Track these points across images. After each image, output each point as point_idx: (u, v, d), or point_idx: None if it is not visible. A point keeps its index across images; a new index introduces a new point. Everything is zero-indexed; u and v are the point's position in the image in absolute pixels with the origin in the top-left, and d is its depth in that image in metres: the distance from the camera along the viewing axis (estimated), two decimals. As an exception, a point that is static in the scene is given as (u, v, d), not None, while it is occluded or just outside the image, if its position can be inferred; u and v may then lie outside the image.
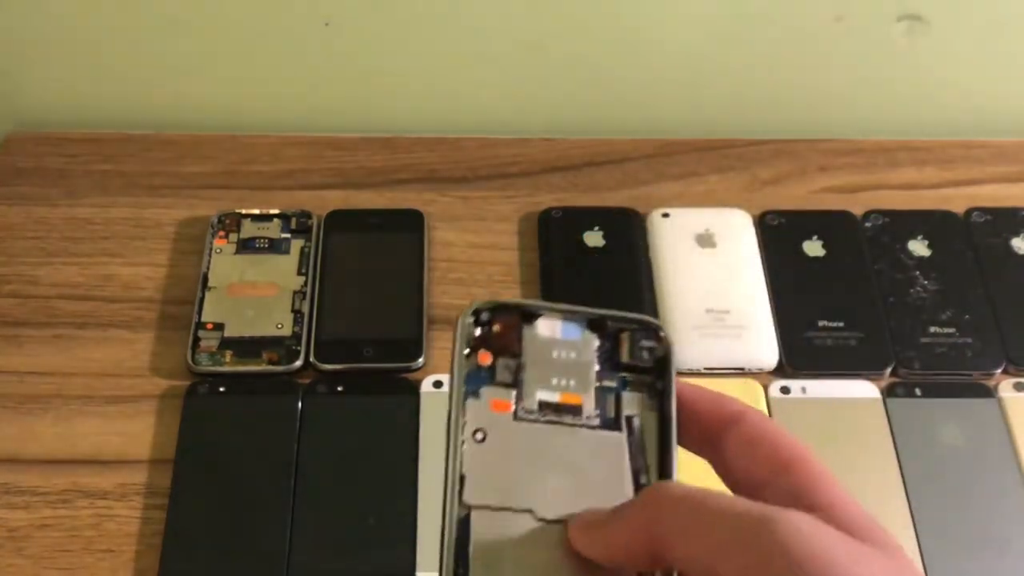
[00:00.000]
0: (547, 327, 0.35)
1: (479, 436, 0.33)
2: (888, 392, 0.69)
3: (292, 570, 0.61)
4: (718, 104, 0.86)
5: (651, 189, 0.81)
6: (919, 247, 0.76)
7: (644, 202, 0.79)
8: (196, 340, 0.70)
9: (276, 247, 0.75)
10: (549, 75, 0.85)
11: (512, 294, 0.74)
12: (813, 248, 0.76)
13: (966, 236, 0.77)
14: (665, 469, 0.33)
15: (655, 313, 0.72)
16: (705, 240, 0.76)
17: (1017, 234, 0.77)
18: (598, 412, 0.34)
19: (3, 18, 0.81)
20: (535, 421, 0.34)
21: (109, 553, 0.62)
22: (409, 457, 0.65)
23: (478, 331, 0.34)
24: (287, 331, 0.70)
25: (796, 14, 0.80)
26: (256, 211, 0.76)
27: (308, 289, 0.72)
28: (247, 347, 0.69)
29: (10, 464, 0.66)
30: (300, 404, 0.67)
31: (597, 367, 0.34)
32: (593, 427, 0.34)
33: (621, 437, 0.34)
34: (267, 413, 0.67)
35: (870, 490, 0.64)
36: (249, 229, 0.76)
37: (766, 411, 0.67)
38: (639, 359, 0.35)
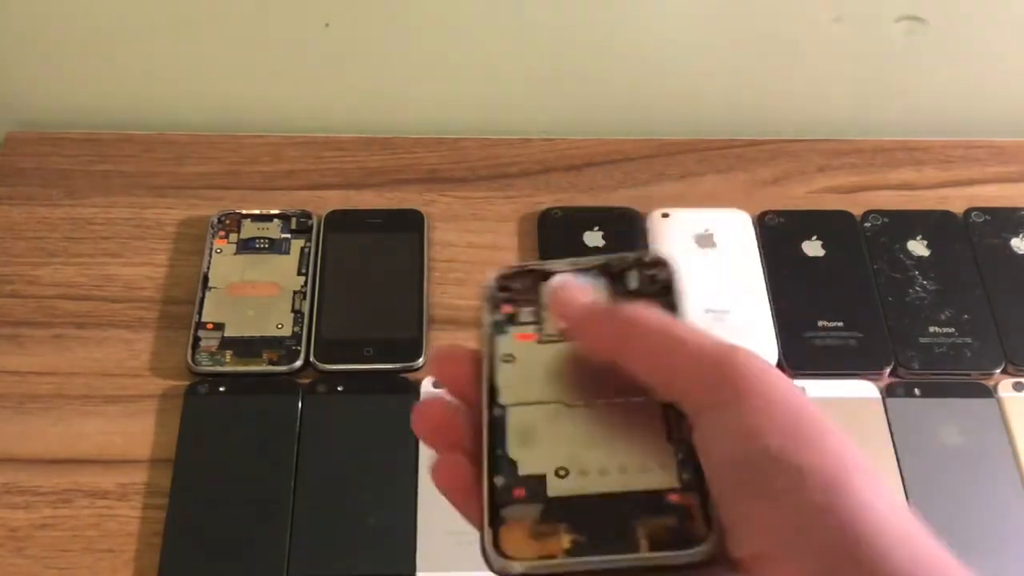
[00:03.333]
0: (559, 280, 0.39)
1: (508, 358, 0.37)
2: (887, 392, 0.69)
3: (292, 570, 0.61)
4: (718, 104, 0.86)
5: (651, 189, 0.81)
6: (918, 247, 0.76)
7: (644, 202, 0.79)
8: (196, 340, 0.70)
9: (276, 247, 0.75)
10: (549, 75, 0.85)
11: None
12: (812, 248, 0.76)
13: (965, 236, 0.77)
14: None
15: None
16: (705, 240, 0.76)
17: (1016, 234, 0.77)
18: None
19: (3, 18, 0.81)
20: (557, 342, 0.37)
21: (109, 553, 0.62)
22: (409, 457, 0.65)
23: (501, 294, 0.39)
24: (287, 331, 0.70)
25: (796, 15, 0.80)
26: (256, 211, 0.77)
27: (308, 289, 0.72)
28: (247, 347, 0.70)
29: (11, 464, 0.66)
30: (300, 404, 0.67)
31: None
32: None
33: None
34: (267, 413, 0.67)
35: (869, 490, 0.64)
36: (249, 229, 0.76)
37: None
38: (645, 285, 0.39)
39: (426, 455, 0.65)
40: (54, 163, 0.81)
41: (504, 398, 0.36)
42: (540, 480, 0.34)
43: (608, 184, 0.81)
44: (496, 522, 0.33)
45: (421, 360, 0.70)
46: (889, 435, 0.67)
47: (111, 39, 0.82)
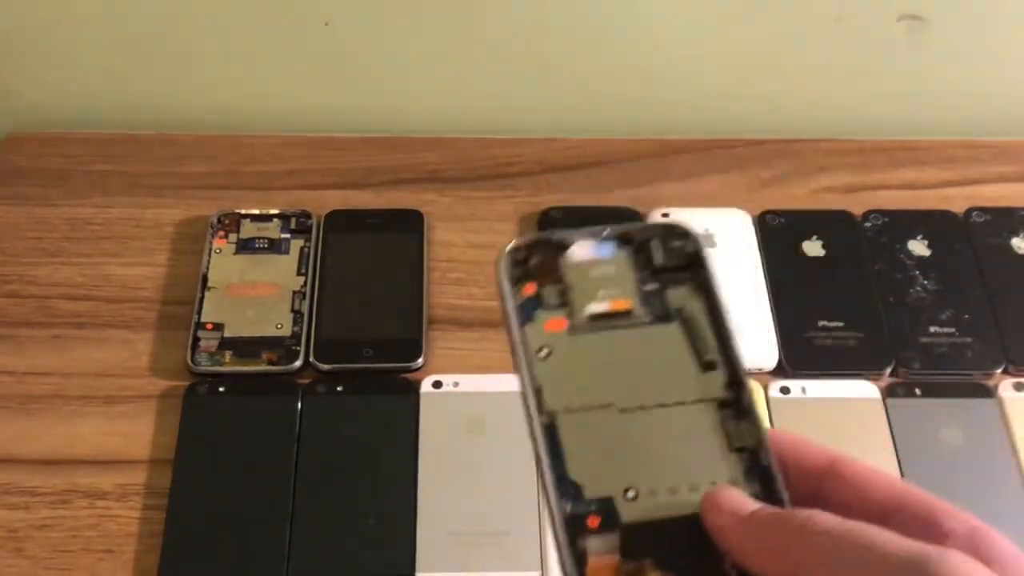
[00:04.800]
0: (581, 251, 0.36)
1: (543, 353, 0.35)
2: (888, 392, 0.69)
3: (292, 570, 0.61)
4: (718, 104, 0.86)
5: (651, 189, 0.81)
6: (919, 247, 0.76)
7: (644, 202, 0.79)
8: (196, 340, 0.70)
9: (276, 247, 0.75)
10: (549, 75, 0.85)
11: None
12: (813, 248, 0.76)
13: (966, 236, 0.77)
14: (725, 348, 0.36)
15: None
16: (705, 240, 0.76)
17: (1016, 234, 0.77)
18: (648, 311, 0.36)
19: (3, 18, 0.81)
20: (592, 331, 0.35)
21: (109, 553, 0.62)
22: (409, 457, 0.65)
23: (518, 269, 0.36)
24: (287, 331, 0.70)
25: (796, 15, 0.80)
26: (256, 211, 0.76)
27: (308, 289, 0.72)
28: (247, 347, 0.69)
29: (10, 464, 0.66)
30: (300, 404, 0.67)
31: (637, 274, 0.36)
32: (647, 324, 0.36)
33: (675, 327, 0.36)
34: (267, 413, 0.67)
35: (870, 490, 0.64)
36: (249, 229, 0.76)
37: (766, 412, 0.67)
38: (672, 259, 0.37)
39: (427, 455, 0.65)
40: (54, 163, 0.81)
41: (550, 402, 0.34)
42: (609, 504, 0.32)
43: (608, 184, 0.81)
44: (578, 562, 0.31)
45: (421, 360, 0.70)
46: (889, 435, 0.67)
47: (111, 39, 0.82)
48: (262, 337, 0.70)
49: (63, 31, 0.82)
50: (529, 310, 0.36)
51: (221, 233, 0.75)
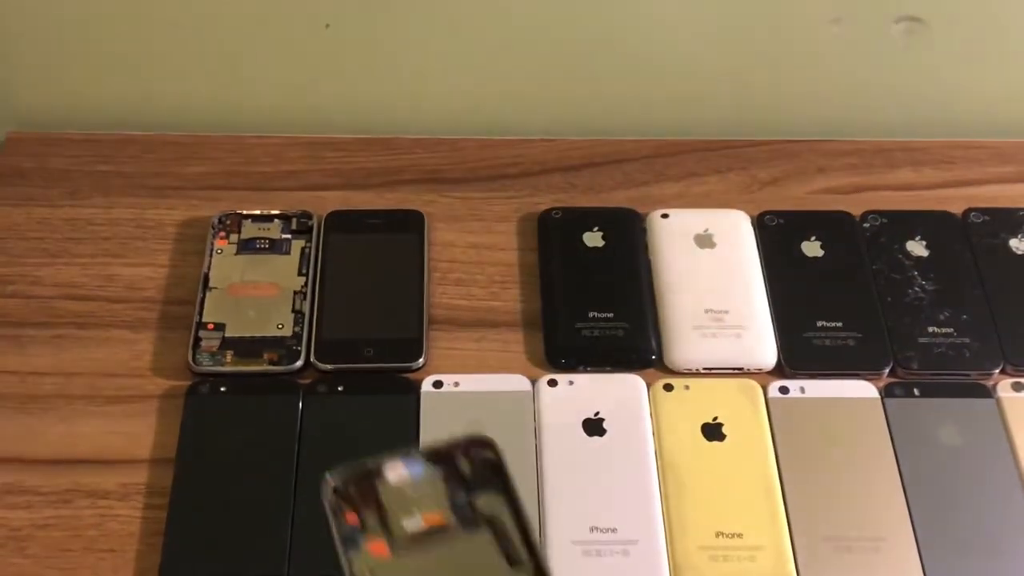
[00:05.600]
0: (393, 474, 0.42)
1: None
2: (886, 392, 0.69)
3: (292, 570, 0.61)
4: (717, 105, 0.86)
5: (651, 189, 0.81)
6: (917, 247, 0.76)
7: (644, 202, 0.79)
8: (197, 340, 0.70)
9: (277, 247, 0.75)
10: (549, 75, 0.85)
11: (511, 294, 0.74)
12: (812, 248, 0.76)
13: (964, 236, 0.77)
14: (530, 545, 0.40)
15: (655, 313, 0.72)
16: (704, 240, 0.76)
17: (1015, 234, 0.77)
18: (460, 522, 0.41)
19: (3, 18, 0.81)
20: (411, 550, 0.40)
21: (111, 553, 0.62)
22: (409, 457, 0.65)
23: (341, 500, 0.41)
24: (287, 331, 0.70)
25: (795, 15, 0.80)
26: (257, 212, 0.77)
27: (308, 289, 0.73)
28: (248, 347, 0.70)
29: (12, 464, 0.66)
30: (300, 404, 0.67)
31: (447, 488, 0.41)
32: (460, 533, 0.41)
33: (486, 534, 0.41)
34: (267, 413, 0.67)
35: (868, 490, 0.64)
36: (250, 230, 0.76)
37: (765, 412, 0.68)
38: (479, 469, 0.41)
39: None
40: (54, 163, 0.81)
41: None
42: None
43: (608, 184, 0.81)
44: None
45: (421, 360, 0.70)
46: (888, 435, 0.67)
47: (111, 39, 0.82)
48: (263, 337, 0.70)
49: (64, 31, 0.82)
50: (355, 537, 0.40)
51: (222, 233, 0.76)
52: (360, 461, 0.41)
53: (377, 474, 0.41)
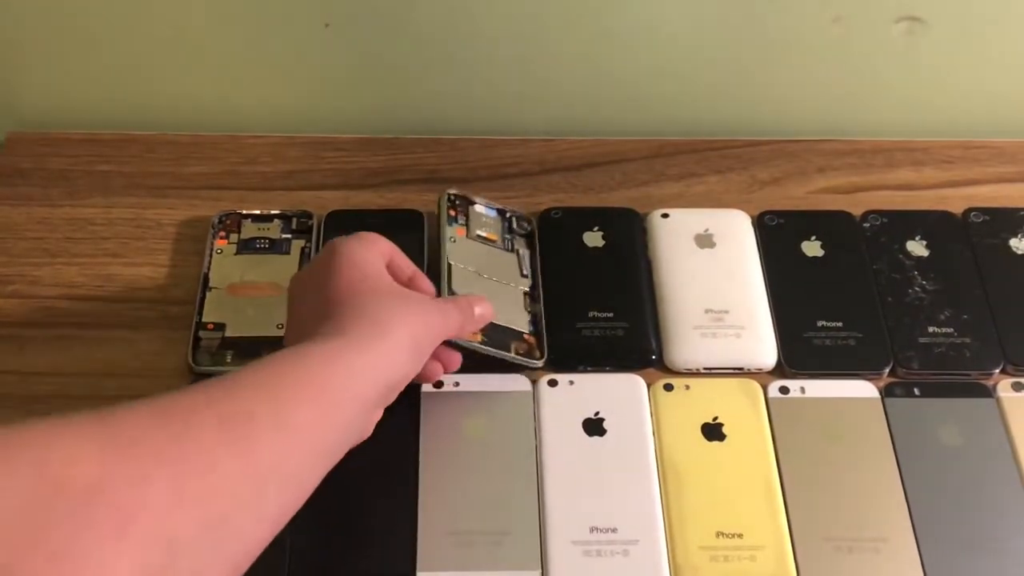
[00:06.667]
0: (480, 207, 0.74)
1: (452, 240, 0.70)
2: (887, 392, 0.69)
3: (292, 570, 0.61)
4: (717, 104, 0.86)
5: (651, 189, 0.81)
6: (917, 247, 0.76)
7: (644, 202, 0.79)
8: (197, 340, 0.70)
9: (277, 247, 0.75)
10: (549, 75, 0.85)
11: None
12: (812, 248, 0.76)
13: (964, 236, 0.77)
14: (534, 273, 0.73)
15: (655, 313, 0.72)
16: (704, 240, 0.76)
17: (1015, 234, 0.77)
18: (503, 244, 0.73)
19: (3, 18, 0.81)
20: (476, 240, 0.72)
21: (111, 553, 0.62)
22: (410, 457, 0.65)
23: (449, 205, 0.72)
24: (288, 331, 0.70)
25: (795, 15, 0.80)
26: (257, 211, 0.77)
27: (309, 289, 0.72)
28: (248, 347, 0.70)
29: (12, 464, 0.66)
30: (301, 404, 0.67)
31: (502, 226, 0.74)
32: (502, 249, 0.73)
33: (513, 256, 0.73)
34: (268, 413, 0.67)
35: (869, 489, 0.64)
36: (250, 229, 0.76)
37: (765, 412, 0.68)
38: (518, 228, 0.75)
39: (427, 454, 0.65)
40: (54, 163, 0.81)
41: (454, 261, 0.68)
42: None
43: (608, 184, 0.81)
44: None
45: (421, 360, 0.70)
46: (888, 435, 0.67)
47: (111, 39, 0.82)
48: (263, 337, 0.70)
49: (64, 31, 0.82)
50: (452, 220, 0.71)
51: (222, 233, 0.76)
52: (462, 191, 0.74)
53: (471, 202, 0.73)
